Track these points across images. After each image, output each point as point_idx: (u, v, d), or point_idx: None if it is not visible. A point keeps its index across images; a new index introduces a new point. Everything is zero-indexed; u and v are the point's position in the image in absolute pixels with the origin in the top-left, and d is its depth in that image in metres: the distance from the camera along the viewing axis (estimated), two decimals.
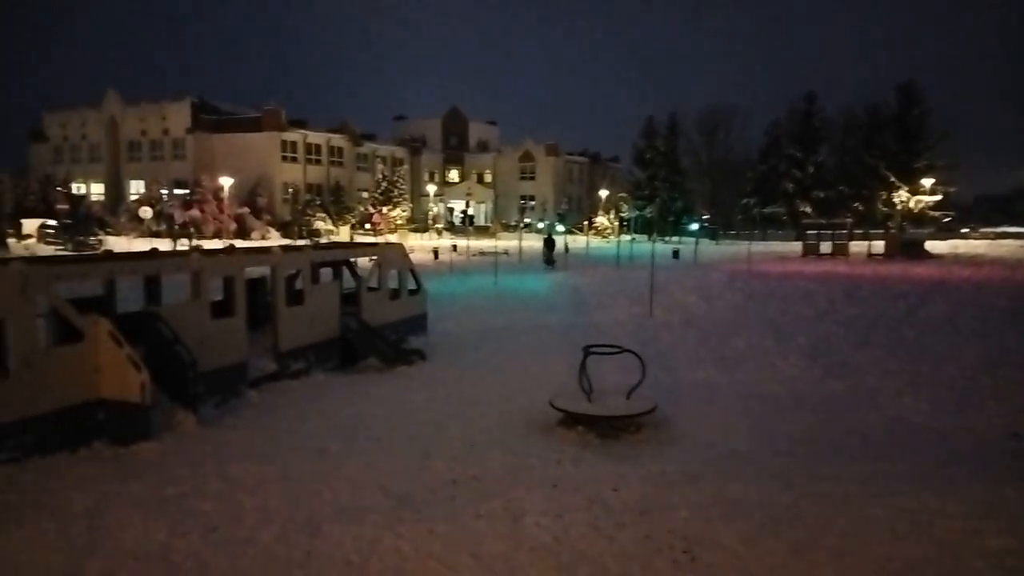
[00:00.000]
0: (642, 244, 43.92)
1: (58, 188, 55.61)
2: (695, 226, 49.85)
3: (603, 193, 69.80)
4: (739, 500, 5.91)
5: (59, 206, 49.31)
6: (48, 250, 35.98)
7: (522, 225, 52.37)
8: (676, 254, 39.26)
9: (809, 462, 6.97)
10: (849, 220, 46.57)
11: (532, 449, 7.33)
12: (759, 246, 43.26)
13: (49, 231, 43.34)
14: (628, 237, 48.66)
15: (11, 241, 39.77)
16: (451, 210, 75.25)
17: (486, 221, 72.13)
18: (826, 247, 40.78)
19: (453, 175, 79.80)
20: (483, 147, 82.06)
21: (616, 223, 64.62)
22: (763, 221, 65.10)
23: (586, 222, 61.78)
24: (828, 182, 69.35)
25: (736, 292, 21.84)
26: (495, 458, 6.98)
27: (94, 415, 7.33)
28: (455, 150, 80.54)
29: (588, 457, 7.07)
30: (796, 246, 46.49)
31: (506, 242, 45.28)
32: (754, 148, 76.87)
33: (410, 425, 8.21)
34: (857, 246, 42.22)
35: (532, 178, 77.41)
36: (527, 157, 77.63)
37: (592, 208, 73.65)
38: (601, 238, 62.47)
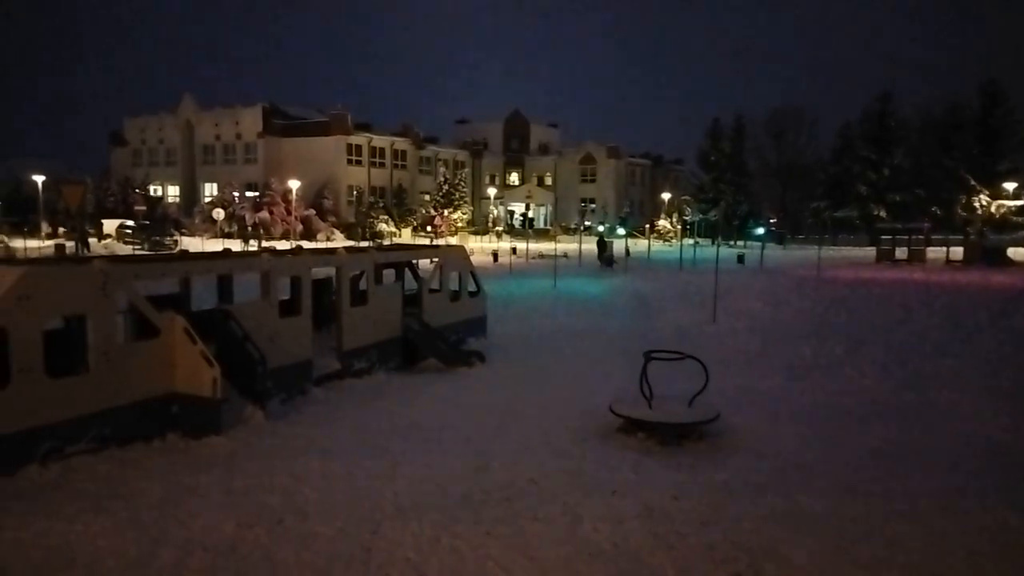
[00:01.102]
0: (705, 248, 43.13)
1: (136, 190, 58.29)
2: (761, 230, 48.63)
3: (665, 196, 68.86)
4: (807, 514, 5.72)
5: (137, 207, 51.66)
6: (126, 249, 37.77)
7: (582, 228, 52.11)
8: (741, 259, 38.37)
9: (881, 476, 6.69)
10: (926, 225, 44.62)
11: (591, 454, 7.26)
12: (830, 251, 41.91)
13: (127, 231, 45.49)
14: (691, 241, 47.86)
15: (92, 240, 41.86)
16: (511, 213, 75.49)
17: (546, 224, 72.11)
18: (901, 253, 39.19)
19: (513, 178, 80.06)
20: (544, 150, 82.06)
21: (679, 226, 63.65)
22: (834, 225, 62.99)
23: (648, 225, 61.01)
24: (904, 185, 66.60)
25: (805, 298, 21.20)
26: (553, 462, 6.95)
27: (168, 408, 7.63)
28: (516, 153, 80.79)
29: (648, 464, 6.96)
30: (869, 252, 44.82)
31: (566, 245, 45.13)
32: (825, 150, 74.55)
33: (469, 426, 8.25)
34: (934, 252, 40.45)
35: (593, 181, 76.98)
36: (588, 159, 77.26)
37: (654, 211, 72.75)
38: (663, 242, 61.61)
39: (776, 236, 62.14)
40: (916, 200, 64.60)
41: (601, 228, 53.89)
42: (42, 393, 6.48)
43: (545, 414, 8.83)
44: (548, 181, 78.88)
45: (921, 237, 40.94)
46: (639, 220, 68.80)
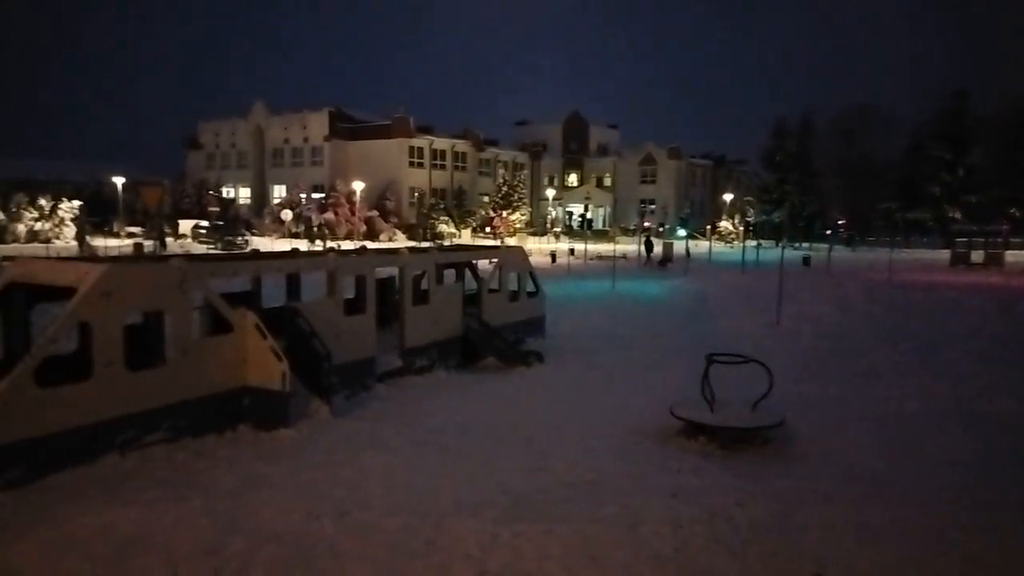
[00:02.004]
0: (769, 250, 42.11)
1: (210, 192, 60.57)
2: (828, 232, 47.11)
3: (727, 197, 67.49)
4: (876, 524, 5.55)
5: (211, 208, 53.67)
6: (200, 249, 39.29)
7: (641, 229, 51.55)
8: (807, 261, 37.30)
9: (956, 488, 6.42)
10: (1004, 227, 42.45)
11: (650, 457, 7.20)
12: (901, 254, 40.35)
13: (201, 231, 47.30)
14: (753, 243, 46.76)
15: (168, 239, 43.69)
16: (569, 214, 75.29)
17: (604, 225, 71.63)
18: (978, 256, 37.40)
19: (572, 179, 79.81)
20: (603, 151, 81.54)
21: (741, 228, 62.27)
22: (906, 227, 60.54)
23: (709, 227, 59.93)
24: (980, 186, 63.52)
25: (874, 303, 20.49)
26: (612, 463, 6.92)
27: (240, 401, 7.93)
28: (575, 154, 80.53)
29: (710, 468, 6.85)
30: (943, 255, 42.95)
31: (624, 246, 44.75)
32: (896, 149, 71.75)
33: (528, 426, 8.29)
34: (1013, 256, 38.47)
35: (653, 182, 76.04)
36: (648, 160, 76.38)
37: (715, 212, 71.39)
38: (725, 243, 60.40)
39: (844, 238, 60.13)
40: (993, 201, 61.49)
41: (648, 226, 53.17)
42: (122, 385, 6.82)
43: (604, 415, 8.80)
44: (607, 182, 78.32)
45: (999, 239, 38.99)
46: (700, 221, 67.60)
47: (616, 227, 65.13)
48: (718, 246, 52.46)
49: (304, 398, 8.33)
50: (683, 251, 37.63)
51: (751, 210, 67.36)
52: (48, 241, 42.10)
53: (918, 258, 43.38)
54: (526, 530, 5.25)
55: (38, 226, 44.03)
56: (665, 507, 5.76)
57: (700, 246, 48.18)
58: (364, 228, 52.30)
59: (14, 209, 44.24)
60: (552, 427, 8.21)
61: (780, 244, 38.37)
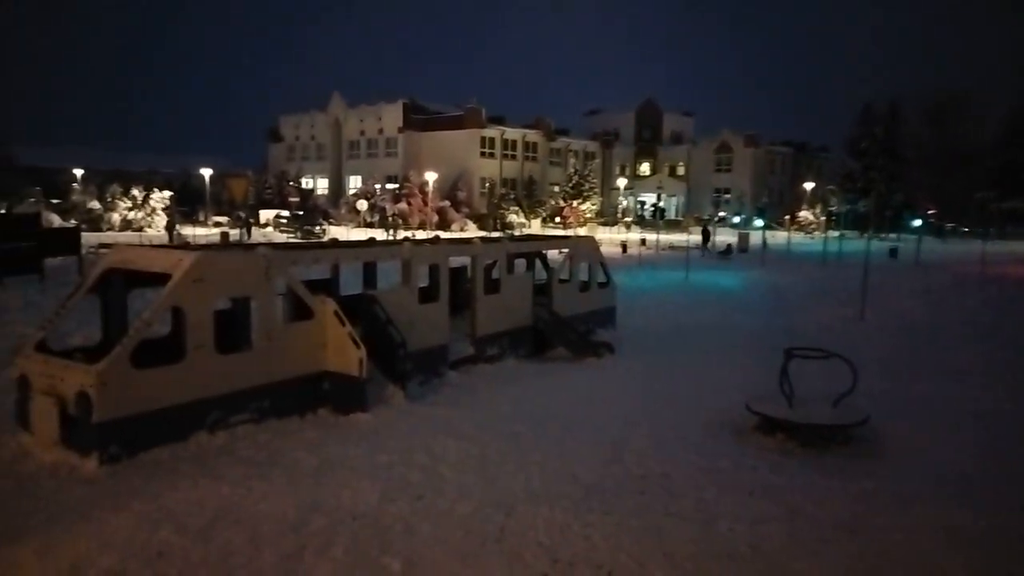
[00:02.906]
0: (852, 241, 40.39)
1: (290, 183, 62.57)
2: (918, 222, 44.82)
3: (808, 185, 65.09)
4: (965, 528, 5.29)
5: (291, 199, 55.44)
6: (281, 238, 40.68)
7: (716, 219, 50.37)
8: (894, 253, 35.60)
9: None
10: None
11: (725, 452, 7.07)
12: (996, 246, 37.99)
13: (282, 221, 48.97)
14: (836, 233, 44.98)
15: (254, 230, 45.41)
16: (641, 203, 74.21)
17: (677, 215, 70.30)
18: None
19: (644, 168, 78.57)
20: (677, 139, 79.87)
21: (822, 218, 59.96)
22: (1002, 217, 56.95)
23: (788, 216, 57.94)
24: None
25: (967, 297, 19.43)
26: (685, 457, 6.83)
27: (320, 385, 8.21)
28: (648, 143, 79.20)
29: (789, 466, 6.67)
30: None
31: (699, 236, 43.82)
32: (992, 135, 67.51)
33: (598, 417, 8.26)
34: None
35: (728, 170, 74.03)
36: (724, 148, 74.39)
37: (795, 201, 68.98)
38: (805, 234, 58.32)
39: (934, 229, 57.09)
40: None
41: (737, 220, 51.80)
42: (212, 368, 7.16)
43: (677, 408, 8.68)
44: (680, 171, 76.76)
45: None
46: (778, 211, 65.47)
47: (690, 217, 63.81)
48: (797, 237, 50.71)
49: (380, 383, 8.54)
50: (760, 243, 36.57)
51: (834, 199, 64.74)
52: (141, 230, 44.45)
53: (1014, 250, 40.77)
54: (598, 521, 5.25)
55: (131, 215, 46.51)
56: (741, 504, 5.65)
57: (778, 237, 46.69)
58: (436, 218, 53.01)
59: (109, 199, 46.87)
60: (623, 419, 8.16)
61: (865, 235, 36.78)
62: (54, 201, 47.57)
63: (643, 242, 39.67)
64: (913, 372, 10.79)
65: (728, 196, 72.48)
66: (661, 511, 5.48)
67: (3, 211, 28.82)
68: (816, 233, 56.72)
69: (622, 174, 73.47)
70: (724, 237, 40.89)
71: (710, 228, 40.92)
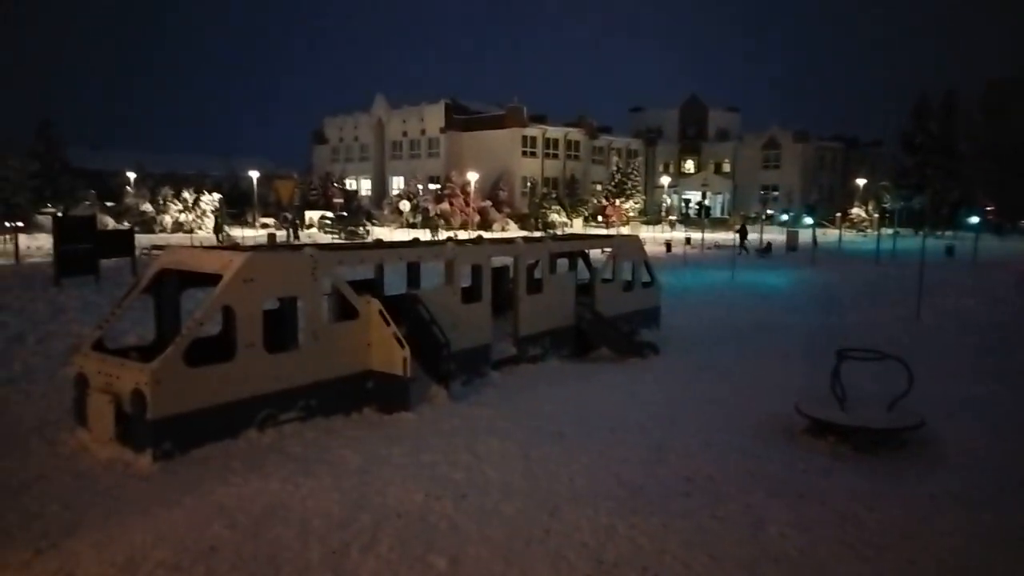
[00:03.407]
0: (907, 239, 39.24)
1: (335, 184, 63.57)
2: (975, 219, 43.22)
3: (860, 182, 63.38)
4: None
5: (335, 200, 56.31)
6: (326, 238, 41.35)
7: (763, 217, 49.44)
8: (950, 251, 34.41)
9: None
10: None
11: (774, 455, 6.91)
12: None
13: (327, 222, 49.77)
14: (889, 231, 43.72)
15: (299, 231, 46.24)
16: (686, 201, 73.27)
17: (723, 213, 69.20)
18: None
19: (689, 165, 77.56)
20: (723, 136, 78.62)
21: (875, 215, 58.35)
22: None
23: (839, 214, 56.52)
24: None
25: None
26: (733, 460, 6.70)
27: (365, 384, 8.30)
28: (692, 140, 78.15)
29: (840, 470, 6.50)
30: None
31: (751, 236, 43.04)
32: None
33: (643, 418, 8.17)
34: None
35: (776, 167, 72.57)
36: (772, 144, 72.94)
37: (846, 198, 67.26)
38: (856, 231, 56.85)
39: (993, 226, 55.02)
40: None
41: (785, 217, 50.76)
42: (261, 366, 7.30)
43: (723, 410, 8.53)
44: (726, 168, 75.55)
45: None
46: (829, 208, 63.91)
47: (736, 215, 62.75)
48: (849, 234, 49.46)
49: (424, 383, 8.60)
50: (810, 241, 35.76)
51: (887, 196, 62.92)
52: (191, 231, 45.65)
53: None
54: (643, 523, 5.19)
55: (182, 217, 47.80)
56: (790, 508, 5.52)
57: (829, 235, 45.58)
58: (478, 218, 53.21)
59: (161, 202, 48.25)
60: (668, 420, 8.06)
61: (920, 233, 35.66)
62: (108, 204, 49.20)
63: (688, 241, 39.15)
64: (971, 374, 10.41)
65: (776, 193, 71.08)
66: (708, 514, 5.39)
67: (60, 214, 29.91)
68: (869, 231, 55.27)
69: (666, 172, 72.68)
70: (772, 236, 40.06)
71: (747, 226, 40.32)
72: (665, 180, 66.78)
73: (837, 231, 46.04)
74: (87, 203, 46.91)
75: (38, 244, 25.04)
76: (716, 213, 68.09)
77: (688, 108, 79.89)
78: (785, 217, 60.37)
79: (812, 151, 73.07)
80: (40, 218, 38.48)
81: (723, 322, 15.27)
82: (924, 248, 17.03)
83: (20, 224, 30.00)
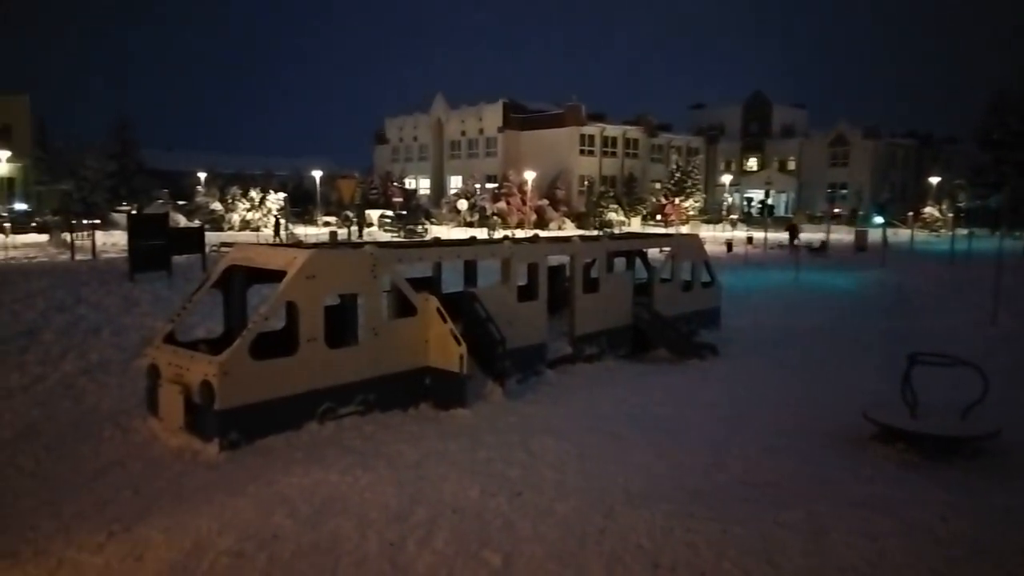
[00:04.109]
0: (983, 239, 37.40)
1: (394, 183, 64.54)
2: None
3: (934, 180, 60.76)
4: None
5: (395, 199, 57.17)
6: (385, 237, 42.02)
7: (830, 216, 47.91)
8: None
9: None
10: None
11: (839, 462, 6.69)
12: None
13: (387, 220, 50.58)
14: (965, 231, 41.78)
15: (355, 229, 47.11)
16: (748, 200, 71.62)
17: (787, 211, 67.35)
18: None
19: (752, 163, 75.72)
20: (788, 132, 76.46)
21: (950, 214, 55.88)
22: None
23: (911, 213, 54.32)
24: None
25: None
26: (795, 466, 6.52)
27: (422, 380, 8.41)
28: (755, 137, 76.27)
29: (910, 479, 6.24)
30: None
31: (811, 235, 41.80)
32: None
33: (702, 420, 8.03)
34: None
35: (845, 165, 70.16)
36: (839, 141, 70.58)
37: (919, 197, 64.59)
38: (930, 231, 54.54)
39: None
40: None
41: (795, 214, 49.02)
42: (322, 361, 7.48)
43: (785, 414, 8.31)
44: (791, 166, 73.47)
45: None
46: (900, 207, 61.49)
47: (801, 214, 61.02)
48: (922, 235, 47.50)
49: (480, 380, 8.65)
50: (879, 240, 34.46)
51: (962, 195, 60.15)
52: (257, 229, 47.00)
53: None
54: (701, 527, 5.09)
55: (249, 216, 49.30)
56: (857, 516, 5.32)
57: (900, 235, 43.86)
58: (535, 217, 53.21)
59: (230, 200, 49.87)
60: (728, 423, 7.89)
61: (997, 233, 33.96)
62: (180, 203, 51.13)
63: (750, 240, 38.25)
64: None
65: (844, 192, 68.81)
66: (769, 520, 5.24)
67: (134, 212, 31.27)
68: (943, 231, 52.93)
69: (727, 170, 71.23)
70: (840, 235, 38.79)
71: (797, 225, 39.41)
72: (726, 178, 65.39)
73: (909, 231, 44.24)
74: (160, 202, 48.85)
75: (113, 241, 26.22)
76: (780, 212, 66.33)
77: (752, 104, 78.03)
78: (855, 216, 58.33)
79: (883, 148, 70.39)
80: (116, 216, 40.27)
81: (787, 324, 14.86)
82: (1001, 249, 16.20)
83: (97, 221, 31.46)
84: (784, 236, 39.91)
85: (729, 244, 36.87)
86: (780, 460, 6.64)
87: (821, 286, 21.31)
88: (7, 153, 37.55)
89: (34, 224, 33.33)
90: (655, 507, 5.44)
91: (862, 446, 7.16)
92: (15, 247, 24.47)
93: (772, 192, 66.81)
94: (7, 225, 28.88)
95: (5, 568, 4.69)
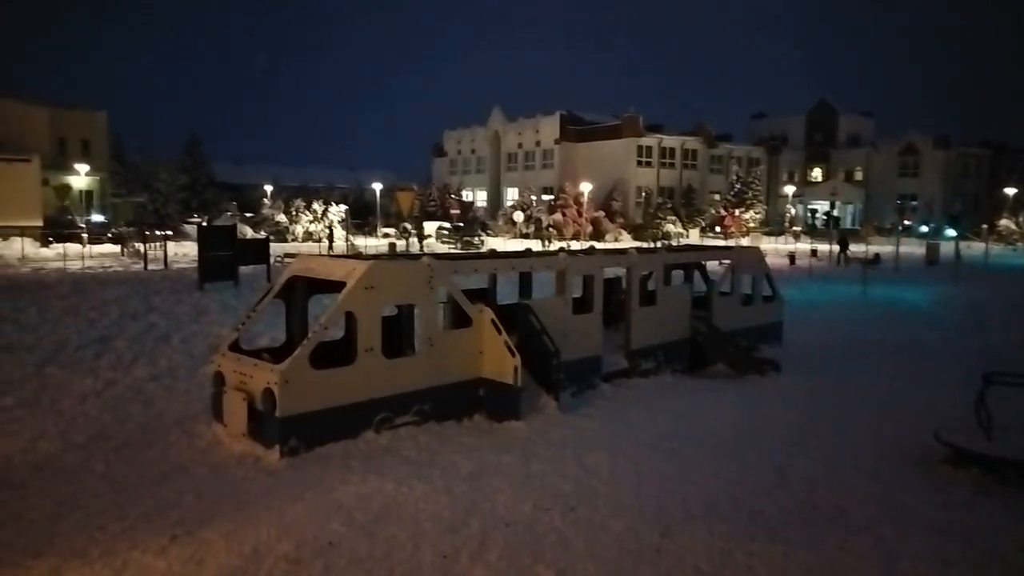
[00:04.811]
0: None
1: (452, 195, 65.28)
2: None
3: (1009, 191, 57.99)
4: None
5: (452, 211, 57.81)
6: (442, 248, 42.48)
7: (900, 228, 46.21)
8: None
9: None
10: None
11: (908, 485, 6.40)
12: None
13: (444, 232, 51.17)
14: None
15: (413, 240, 47.76)
16: (812, 212, 69.68)
17: (854, 223, 65.25)
18: None
19: (816, 173, 73.71)
20: (854, 142, 74.21)
21: None
22: None
23: (985, 225, 51.94)
24: None
25: None
26: (862, 488, 6.26)
27: (476, 391, 8.43)
28: (820, 146, 74.27)
29: (985, 505, 5.92)
30: None
31: (878, 247, 40.38)
32: None
33: (762, 438, 7.80)
34: None
35: (915, 175, 67.64)
36: (909, 151, 68.11)
37: (994, 209, 61.71)
38: (1005, 244, 52.02)
39: None
40: None
41: (925, 229, 47.18)
42: (379, 370, 7.58)
43: (852, 434, 8.00)
44: (858, 176, 71.22)
45: None
46: (974, 219, 58.86)
47: (868, 226, 59.03)
48: (997, 248, 45.33)
49: (534, 392, 8.62)
50: (952, 254, 33.03)
51: None
52: (320, 241, 48.19)
53: None
54: (762, 550, 4.93)
55: (312, 227, 50.58)
56: (928, 543, 5.08)
57: (974, 248, 41.96)
58: (590, 228, 52.97)
59: (294, 212, 51.28)
60: (791, 442, 7.64)
61: None
62: (247, 215, 52.85)
63: (814, 253, 37.19)
64: None
65: (915, 203, 66.32)
66: (834, 545, 5.04)
67: (204, 223, 32.45)
68: (1019, 244, 50.42)
69: (790, 181, 69.52)
70: (910, 248, 37.35)
71: (847, 237, 38.20)
72: (789, 189, 63.84)
73: (983, 244, 42.27)
74: (228, 214, 50.60)
75: (184, 251, 27.25)
76: (846, 224, 64.33)
77: (816, 113, 76.08)
78: (925, 229, 56.15)
79: (955, 158, 67.60)
80: (187, 227, 41.89)
81: (853, 340, 14.36)
82: None
83: (169, 233, 32.80)
84: (853, 248, 38.71)
85: (792, 256, 35.93)
86: (846, 482, 6.40)
87: (891, 301, 20.52)
88: (86, 167, 39.52)
89: (109, 235, 34.94)
90: (713, 528, 5.30)
91: (933, 469, 6.83)
92: (91, 256, 25.69)
93: (838, 203, 64.90)
94: (84, 236, 30.35)
95: (75, 567, 4.88)
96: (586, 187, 52.95)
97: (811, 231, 61.54)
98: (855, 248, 37.10)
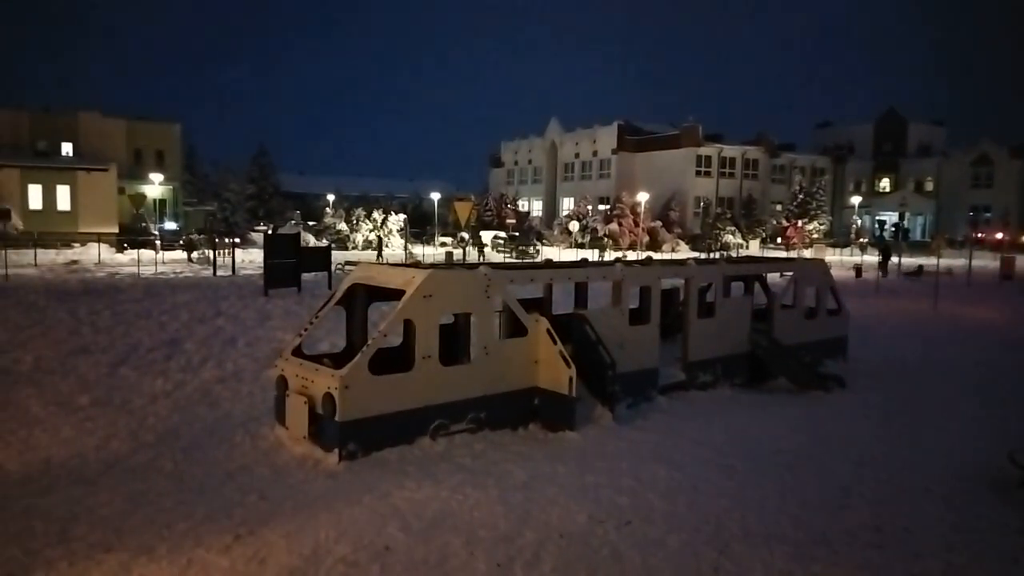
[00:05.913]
0: None
1: (508, 205, 65.62)
2: None
3: None
4: None
5: (508, 220, 58.12)
6: (498, 258, 42.71)
7: (973, 241, 44.22)
8: None
9: None
10: None
11: (980, 509, 6.11)
12: None
13: (499, 242, 51.45)
14: None
15: (469, 249, 48.15)
16: (880, 223, 67.37)
17: (924, 235, 62.78)
18: None
19: (884, 184, 71.27)
20: (924, 151, 71.53)
21: None
22: None
23: None
24: None
25: None
26: (930, 511, 6.01)
27: (531, 400, 8.44)
28: (888, 156, 71.82)
29: None
30: None
31: (950, 260, 38.76)
32: None
33: (826, 456, 7.57)
34: None
35: (989, 186, 64.70)
36: (983, 161, 65.22)
37: None
38: None
39: None
40: None
41: (888, 237, 44.93)
42: (436, 378, 7.67)
43: (919, 453, 7.69)
44: (928, 187, 68.58)
45: None
46: None
47: (940, 237, 56.71)
48: None
49: (589, 403, 8.57)
50: None
51: None
52: (376, 248, 49.07)
53: None
54: (825, 573, 4.78)
55: (372, 236, 51.55)
56: (1002, 572, 4.84)
57: None
58: (647, 239, 52.44)
59: (355, 221, 52.40)
60: (855, 462, 7.39)
61: None
62: (310, 223, 54.26)
63: (882, 265, 35.88)
64: None
65: (988, 215, 63.46)
66: (901, 570, 4.86)
67: (269, 231, 33.45)
68: None
69: (856, 191, 67.42)
70: (982, 262, 35.67)
71: (890, 247, 37.07)
72: (855, 200, 61.88)
73: None
74: (292, 222, 52.09)
75: (251, 258, 28.15)
76: (916, 236, 61.98)
77: (884, 122, 73.66)
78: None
79: None
80: (253, 235, 43.27)
81: (921, 357, 13.80)
82: None
83: (237, 240, 33.94)
84: (922, 261, 37.26)
85: (858, 269, 34.76)
86: (913, 504, 6.15)
87: (962, 317, 19.65)
88: (160, 176, 41.31)
89: (181, 242, 36.40)
90: (774, 548, 5.17)
91: (1006, 493, 6.51)
92: (163, 263, 26.78)
93: (907, 214, 62.63)
94: (157, 242, 31.68)
95: (143, 563, 5.08)
96: (643, 197, 52.50)
97: (879, 243, 59.46)
98: (912, 260, 35.79)
